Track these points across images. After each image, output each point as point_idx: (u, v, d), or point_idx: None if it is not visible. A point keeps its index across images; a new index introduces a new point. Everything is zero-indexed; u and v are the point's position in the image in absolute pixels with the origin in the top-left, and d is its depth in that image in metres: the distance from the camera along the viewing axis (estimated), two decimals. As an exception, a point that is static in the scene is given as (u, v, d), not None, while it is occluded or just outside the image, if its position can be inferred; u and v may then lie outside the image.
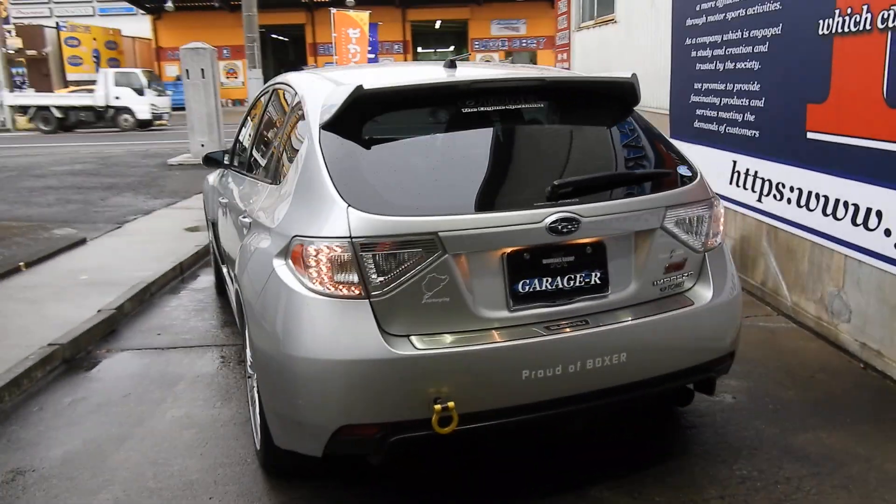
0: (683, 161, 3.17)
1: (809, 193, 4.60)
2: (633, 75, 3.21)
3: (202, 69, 14.68)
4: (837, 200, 4.32)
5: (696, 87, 6.24)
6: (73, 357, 4.80)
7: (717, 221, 3.16)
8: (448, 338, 2.69)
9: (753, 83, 5.25)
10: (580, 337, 2.76)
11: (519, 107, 3.09)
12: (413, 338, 2.67)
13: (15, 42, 29.56)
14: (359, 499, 3.08)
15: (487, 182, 2.84)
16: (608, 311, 2.89)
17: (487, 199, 2.78)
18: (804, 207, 4.67)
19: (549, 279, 2.80)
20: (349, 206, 2.65)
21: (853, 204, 4.17)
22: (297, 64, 32.79)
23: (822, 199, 4.47)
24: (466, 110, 3.01)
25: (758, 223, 5.33)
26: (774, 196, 5.04)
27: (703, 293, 3.04)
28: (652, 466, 3.23)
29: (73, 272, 6.68)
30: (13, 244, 7.80)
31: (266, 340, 2.82)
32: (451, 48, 41.14)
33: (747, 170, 5.41)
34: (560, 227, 2.71)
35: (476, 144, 3.00)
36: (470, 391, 2.65)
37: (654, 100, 7.19)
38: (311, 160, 2.89)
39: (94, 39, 31.86)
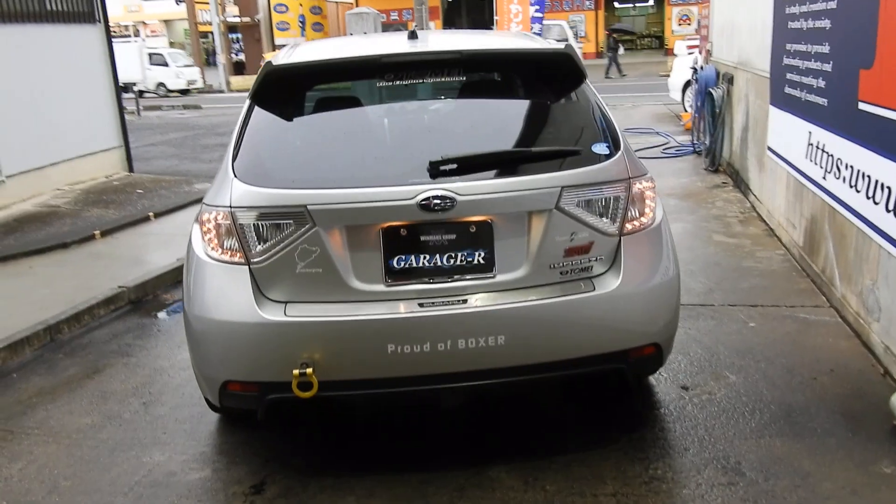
0: (607, 139, 2.96)
1: (858, 172, 4.04)
2: (567, 46, 3.04)
3: (364, 33, 15.37)
4: (877, 182, 3.76)
5: (787, 48, 5.61)
6: (140, 300, 5.44)
7: (640, 203, 2.93)
8: (320, 307, 2.79)
9: (824, 44, 4.64)
10: (452, 316, 2.74)
11: (437, 80, 3.05)
12: (290, 305, 2.80)
13: (233, 10, 32.47)
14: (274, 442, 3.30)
15: (368, 157, 2.87)
16: (492, 292, 2.82)
17: (362, 175, 2.81)
18: (854, 188, 4.11)
19: (427, 256, 2.78)
20: (235, 177, 2.83)
21: (887, 187, 3.63)
22: (489, 24, 32.97)
23: (866, 179, 3.92)
24: (383, 84, 3.04)
25: (822, 203, 4.75)
26: (834, 173, 4.46)
27: (610, 280, 2.86)
28: (563, 454, 3.13)
29: (187, 223, 7.47)
30: (156, 196, 8.83)
31: (183, 298, 3.10)
32: (650, 2, 39.15)
33: (817, 142, 4.82)
34: (432, 204, 2.69)
35: (375, 120, 3.02)
36: (333, 360, 2.74)
37: (761, 61, 6.54)
38: (234, 132, 3.09)
39: (301, 5, 34.12)
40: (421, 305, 2.77)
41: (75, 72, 9.38)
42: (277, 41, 32.76)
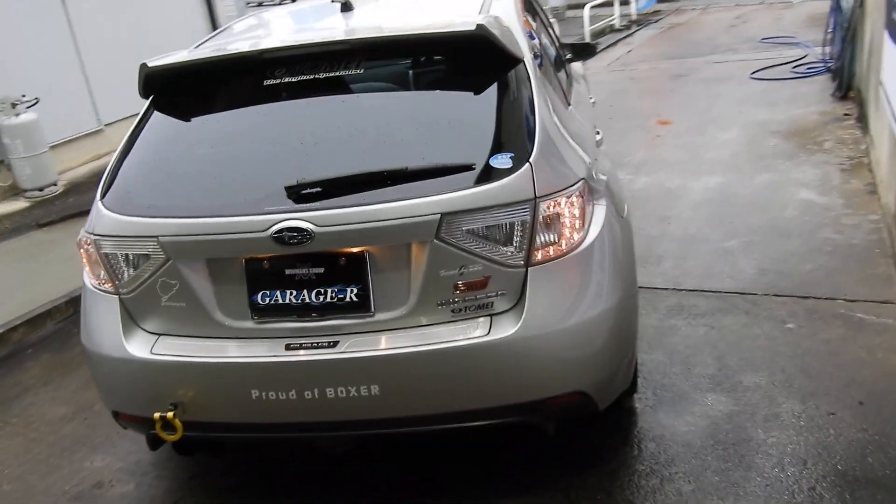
0: (521, 145, 2.40)
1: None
2: (479, 26, 2.46)
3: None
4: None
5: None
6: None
7: (555, 226, 2.39)
8: (189, 344, 2.55)
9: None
10: (318, 362, 2.40)
11: (331, 76, 2.61)
12: (161, 338, 2.59)
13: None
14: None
15: (229, 179, 2.51)
16: (370, 333, 2.44)
17: (218, 201, 2.46)
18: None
19: (294, 292, 2.44)
20: (101, 201, 2.60)
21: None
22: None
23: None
24: (269, 82, 2.65)
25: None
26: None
27: (510, 322, 2.38)
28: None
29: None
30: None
31: None
32: None
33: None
34: (286, 237, 2.32)
35: (248, 131, 2.64)
36: (198, 402, 2.52)
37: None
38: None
39: None
40: (287, 348, 2.45)
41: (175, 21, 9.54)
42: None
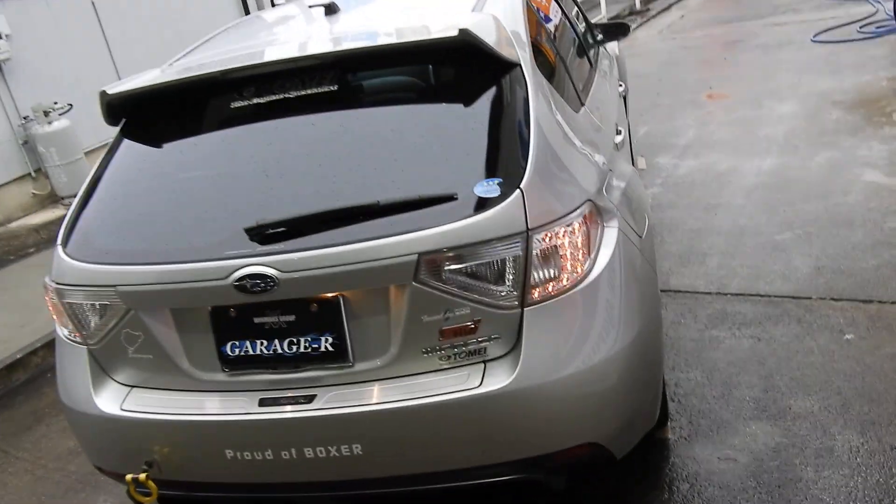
0: (512, 167, 2.08)
1: None
2: (462, 31, 2.14)
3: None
4: None
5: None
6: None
7: (554, 260, 2.07)
8: (161, 398, 2.35)
9: None
10: (293, 421, 2.16)
11: (301, 94, 2.33)
12: (134, 391, 2.39)
13: None
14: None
15: (189, 221, 2.26)
16: (350, 385, 2.18)
17: (176, 245, 2.22)
18: None
19: (265, 342, 2.19)
20: (61, 246, 2.40)
21: None
22: None
23: None
24: (236, 105, 2.40)
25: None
26: None
27: (505, 371, 2.08)
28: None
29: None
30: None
31: None
32: None
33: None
34: (248, 285, 2.07)
35: (212, 163, 2.38)
36: (172, 460, 2.32)
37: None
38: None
39: None
40: (261, 403, 2.21)
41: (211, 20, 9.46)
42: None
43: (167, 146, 2.49)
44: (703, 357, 3.29)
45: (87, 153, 7.70)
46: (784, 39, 8.66)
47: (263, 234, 2.09)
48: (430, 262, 2.01)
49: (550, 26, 3.17)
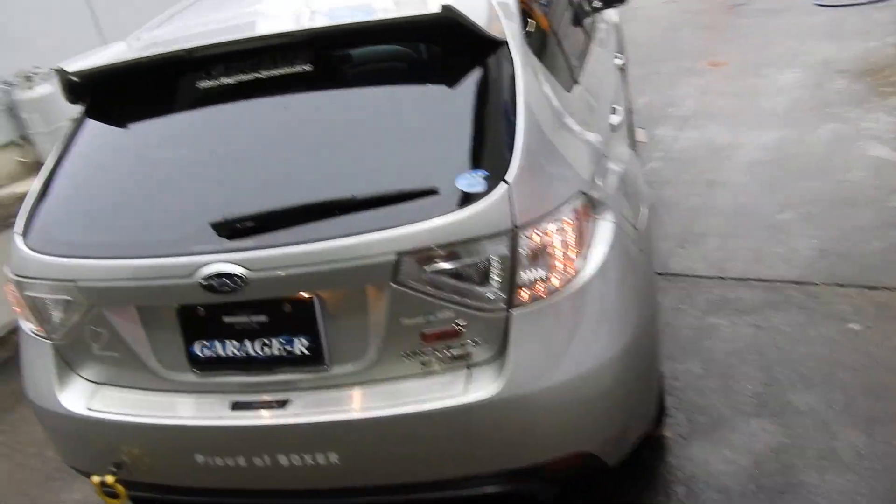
0: (494, 160, 1.92)
1: None
2: (445, 7, 1.96)
3: None
4: None
5: None
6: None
7: (544, 259, 1.92)
8: (129, 398, 2.22)
9: None
10: (266, 428, 2.03)
11: (273, 74, 2.15)
12: (102, 388, 2.26)
13: None
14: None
15: (154, 212, 2.10)
16: (325, 389, 2.05)
17: (140, 238, 2.06)
18: None
19: (236, 343, 2.05)
20: (21, 236, 2.24)
21: None
22: None
23: None
24: (204, 85, 2.22)
25: None
26: None
27: (490, 378, 1.95)
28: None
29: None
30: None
31: None
32: None
33: None
34: (216, 284, 1.92)
35: (179, 149, 2.21)
36: (140, 462, 2.19)
37: None
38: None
39: None
40: (234, 407, 2.08)
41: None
42: None
43: (132, 128, 2.32)
44: (701, 346, 3.16)
45: (71, 120, 7.46)
46: (788, 3, 8.37)
47: (232, 229, 1.94)
48: (409, 262, 1.86)
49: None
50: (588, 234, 2.04)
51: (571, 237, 1.96)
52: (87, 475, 2.32)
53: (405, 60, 2.17)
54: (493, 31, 2.10)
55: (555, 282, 1.95)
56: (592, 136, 2.35)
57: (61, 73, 2.27)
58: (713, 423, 2.74)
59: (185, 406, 2.14)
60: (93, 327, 2.14)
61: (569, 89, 2.51)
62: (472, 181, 1.88)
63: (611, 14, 4.60)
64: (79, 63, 2.29)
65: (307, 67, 2.13)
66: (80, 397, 2.25)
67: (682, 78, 6.67)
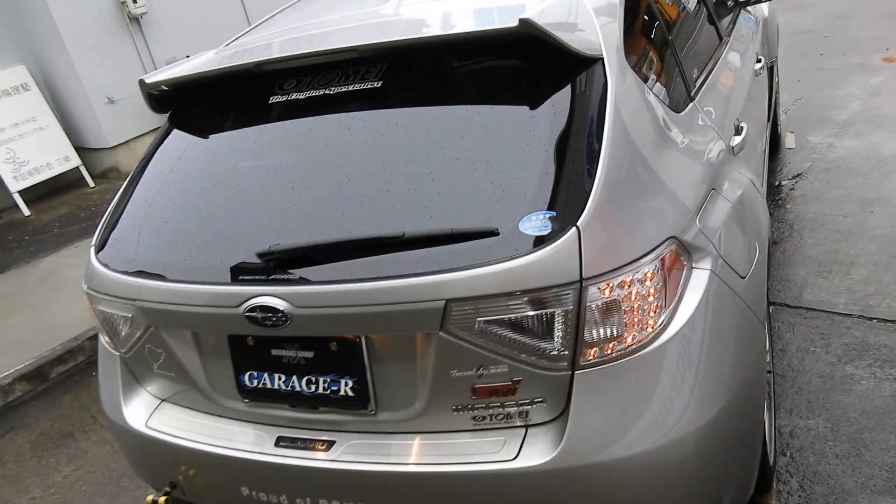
0: (565, 200, 1.66)
1: None
2: (523, 22, 1.72)
3: None
4: None
5: None
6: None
7: (616, 315, 1.66)
8: (185, 419, 2.19)
9: None
10: (308, 469, 1.92)
11: (340, 91, 2.02)
12: (164, 405, 2.25)
13: None
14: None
15: (211, 235, 2.00)
16: (371, 435, 1.90)
17: (192, 263, 1.98)
18: None
19: (283, 377, 1.95)
20: (94, 248, 2.25)
21: None
22: None
23: None
24: (273, 100, 2.12)
25: None
26: None
27: (549, 439, 1.72)
28: None
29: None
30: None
31: None
32: None
33: None
34: (259, 317, 1.82)
35: (239, 169, 2.10)
36: (194, 484, 2.17)
37: None
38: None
39: None
40: (278, 443, 1.98)
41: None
42: None
43: (201, 144, 2.26)
44: (831, 401, 2.74)
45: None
46: None
47: (279, 261, 1.82)
48: (460, 311, 1.66)
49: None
50: (677, 287, 1.76)
51: (654, 291, 1.68)
52: (155, 487, 2.32)
53: (479, 80, 1.94)
54: (584, 46, 1.84)
55: (630, 340, 1.68)
56: (700, 167, 2.04)
57: (141, 85, 2.25)
58: (832, 495, 2.35)
59: (235, 435, 2.07)
60: (152, 347, 2.11)
61: (679, 108, 2.19)
62: (538, 224, 1.65)
63: (760, 7, 4.13)
64: (157, 75, 2.25)
65: (375, 84, 1.97)
66: (142, 412, 2.24)
67: (847, 76, 5.95)
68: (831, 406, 2.72)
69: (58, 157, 7.39)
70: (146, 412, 2.23)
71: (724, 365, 1.81)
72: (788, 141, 4.94)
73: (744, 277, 1.96)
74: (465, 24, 2.01)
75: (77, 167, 7.49)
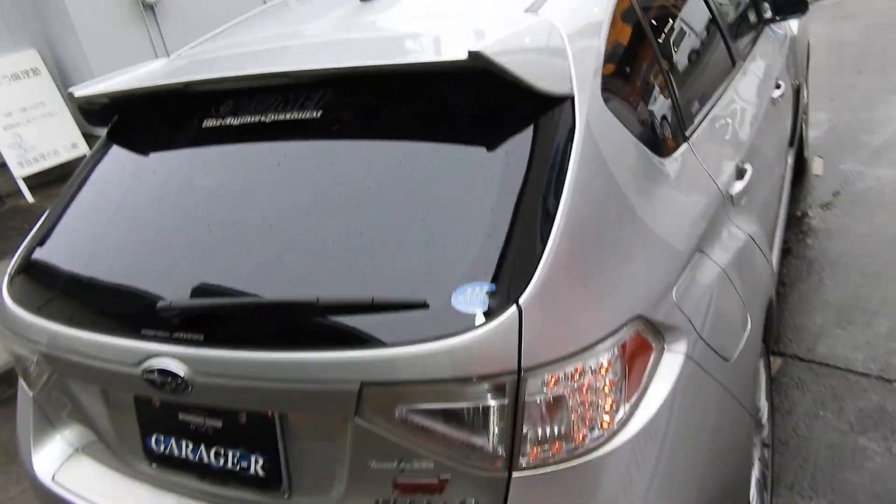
0: (508, 270, 1.38)
1: None
2: (473, 54, 1.43)
3: None
4: None
5: None
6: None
7: (554, 414, 1.39)
8: (94, 475, 1.96)
9: None
10: (211, 554, 1.68)
11: (280, 118, 1.75)
12: (74, 456, 2.03)
13: None
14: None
15: (120, 279, 1.75)
16: (284, 522, 1.65)
17: (99, 309, 1.74)
18: None
19: (191, 445, 1.70)
20: (6, 280, 2.02)
21: None
22: None
23: None
24: (209, 124, 1.87)
25: None
26: None
27: (476, 555, 1.46)
28: None
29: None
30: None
31: None
32: None
33: None
34: (157, 380, 1.58)
35: (162, 200, 1.85)
36: None
37: None
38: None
39: None
40: (186, 517, 1.75)
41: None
42: None
43: (129, 169, 2.01)
44: (837, 478, 2.43)
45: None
46: None
47: (180, 317, 1.57)
48: (377, 396, 1.40)
49: (663, 14, 2.35)
50: (643, 375, 1.48)
51: (610, 383, 1.41)
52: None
53: (427, 119, 1.66)
54: (548, 83, 1.55)
55: (580, 439, 1.41)
56: (685, 226, 1.75)
57: (71, 99, 2.02)
58: None
59: (143, 501, 1.83)
60: (58, 394, 1.89)
61: (668, 152, 1.89)
62: (472, 298, 1.37)
63: (793, 26, 3.79)
64: (87, 88, 2.01)
65: (314, 114, 1.71)
66: (54, 461, 2.02)
67: (886, 95, 5.55)
68: (838, 485, 2.41)
69: (65, 144, 7.26)
70: (58, 461, 2.01)
71: (696, 465, 1.53)
72: (816, 167, 4.59)
73: (727, 360, 1.67)
74: (415, 53, 1.73)
75: (84, 155, 7.34)
